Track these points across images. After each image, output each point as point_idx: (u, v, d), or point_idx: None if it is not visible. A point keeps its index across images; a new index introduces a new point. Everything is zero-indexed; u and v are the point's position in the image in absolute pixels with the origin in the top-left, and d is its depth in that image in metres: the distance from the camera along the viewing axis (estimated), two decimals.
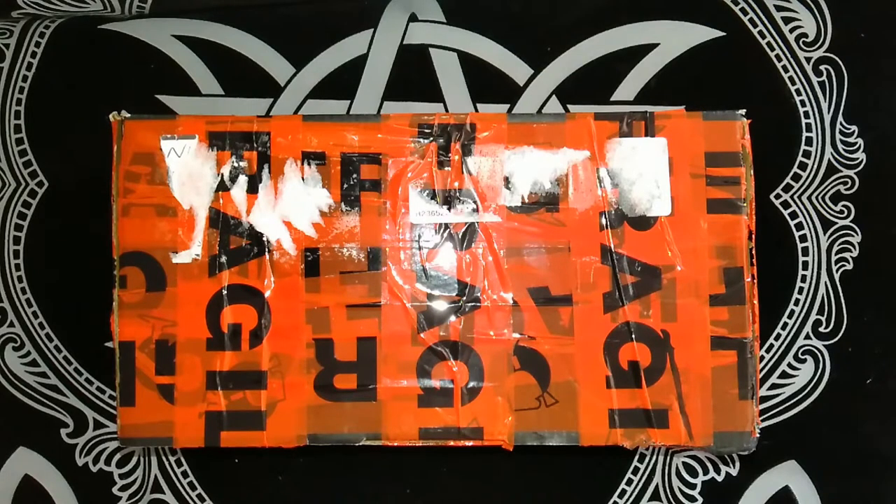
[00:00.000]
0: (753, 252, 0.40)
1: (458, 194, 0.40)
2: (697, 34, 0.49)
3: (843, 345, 0.47)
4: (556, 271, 0.40)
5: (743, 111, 0.40)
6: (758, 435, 0.39)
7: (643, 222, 0.40)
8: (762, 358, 0.47)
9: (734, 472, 0.47)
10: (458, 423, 0.39)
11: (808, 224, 0.48)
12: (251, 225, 0.40)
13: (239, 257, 0.40)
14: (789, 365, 0.47)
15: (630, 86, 0.49)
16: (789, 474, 0.46)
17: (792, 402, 0.47)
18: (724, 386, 0.39)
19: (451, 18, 0.50)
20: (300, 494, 0.47)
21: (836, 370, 0.47)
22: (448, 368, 0.40)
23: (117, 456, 0.47)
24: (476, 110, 0.49)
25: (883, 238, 0.48)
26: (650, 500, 0.46)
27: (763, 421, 0.46)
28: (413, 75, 0.49)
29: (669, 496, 0.46)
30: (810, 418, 0.47)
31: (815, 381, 0.47)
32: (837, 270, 0.47)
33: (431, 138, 0.40)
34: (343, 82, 0.49)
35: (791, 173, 0.48)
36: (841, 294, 0.47)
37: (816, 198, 0.48)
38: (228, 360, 0.40)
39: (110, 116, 0.40)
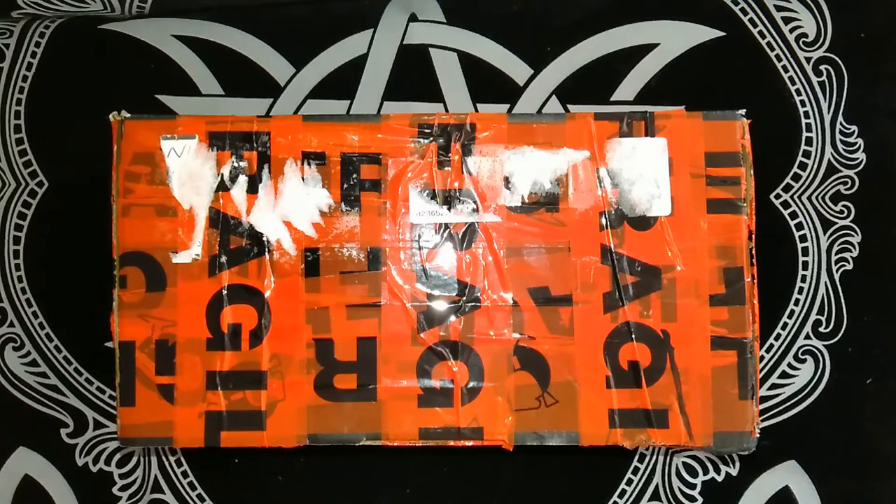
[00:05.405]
0: (753, 252, 0.40)
1: (458, 194, 0.40)
2: (697, 34, 0.49)
3: (843, 345, 0.47)
4: (556, 271, 0.40)
5: (743, 111, 0.40)
6: (758, 435, 0.39)
7: (643, 222, 0.40)
8: (762, 358, 0.47)
9: (734, 472, 0.47)
10: (458, 423, 0.39)
11: (808, 224, 0.48)
12: (251, 225, 0.40)
13: (239, 257, 0.40)
14: (789, 365, 0.47)
15: (630, 86, 0.49)
16: (789, 474, 0.46)
17: (792, 402, 0.47)
18: (724, 386, 0.39)
19: (451, 18, 0.50)
20: (300, 494, 0.47)
21: (836, 370, 0.47)
22: (448, 368, 0.40)
23: (117, 456, 0.47)
24: (476, 110, 0.49)
25: (883, 238, 0.48)
26: (650, 500, 0.46)
27: (763, 421, 0.46)
28: (413, 75, 0.49)
29: (669, 496, 0.46)
30: (810, 418, 0.47)
31: (815, 381, 0.47)
32: (837, 270, 0.47)
33: (431, 138, 0.40)
34: (343, 82, 0.49)
35: (791, 173, 0.48)
36: (841, 294, 0.47)
37: (816, 198, 0.48)
38: (228, 360, 0.40)
39: (110, 116, 0.40)
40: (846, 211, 0.48)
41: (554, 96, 0.49)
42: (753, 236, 0.40)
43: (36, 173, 0.48)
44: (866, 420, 0.47)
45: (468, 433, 0.39)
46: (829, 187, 0.48)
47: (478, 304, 0.40)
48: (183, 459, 0.47)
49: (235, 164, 0.40)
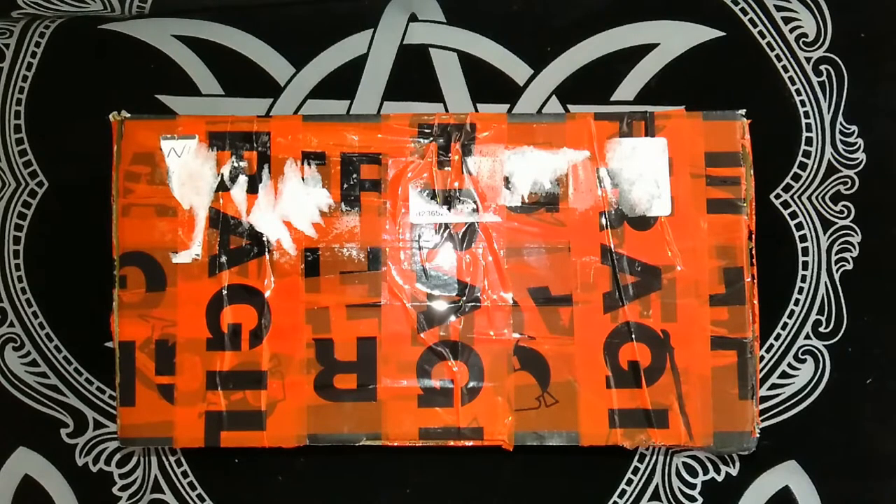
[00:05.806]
0: (753, 252, 0.40)
1: (458, 194, 0.40)
2: (697, 34, 0.49)
3: (843, 345, 0.47)
4: (556, 271, 0.40)
5: (743, 111, 0.40)
6: (758, 435, 0.39)
7: (643, 222, 0.40)
8: (762, 358, 0.47)
9: (734, 472, 0.47)
10: (458, 423, 0.39)
11: (808, 224, 0.48)
12: (251, 225, 0.40)
13: (239, 257, 0.40)
14: (789, 365, 0.47)
15: (630, 86, 0.49)
16: (789, 474, 0.46)
17: (792, 402, 0.47)
18: (724, 386, 0.39)
19: (451, 18, 0.50)
20: (300, 494, 0.47)
21: (836, 370, 0.47)
22: (448, 368, 0.40)
23: (117, 456, 0.47)
24: (476, 110, 0.49)
25: (883, 238, 0.48)
26: (650, 500, 0.46)
27: (763, 421, 0.46)
28: (413, 75, 0.49)
29: (669, 496, 0.46)
30: (810, 418, 0.47)
31: (815, 381, 0.47)
32: (837, 270, 0.47)
33: (431, 138, 0.40)
34: (343, 82, 0.49)
35: (791, 173, 0.48)
36: (841, 294, 0.47)
37: (816, 198, 0.48)
38: (228, 360, 0.40)
39: (110, 116, 0.40)
40: (846, 211, 0.48)
41: (554, 96, 0.49)
42: (753, 236, 0.40)
43: (36, 173, 0.48)
44: (866, 420, 0.47)
45: (468, 433, 0.39)
46: (829, 187, 0.48)
47: (478, 304, 0.40)
48: (183, 459, 0.47)
49: (235, 164, 0.40)
